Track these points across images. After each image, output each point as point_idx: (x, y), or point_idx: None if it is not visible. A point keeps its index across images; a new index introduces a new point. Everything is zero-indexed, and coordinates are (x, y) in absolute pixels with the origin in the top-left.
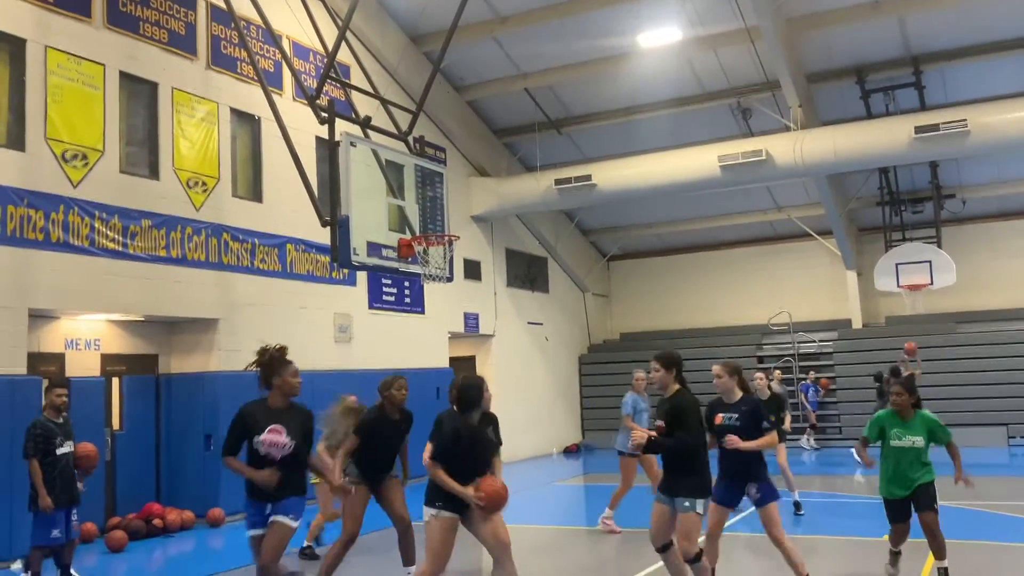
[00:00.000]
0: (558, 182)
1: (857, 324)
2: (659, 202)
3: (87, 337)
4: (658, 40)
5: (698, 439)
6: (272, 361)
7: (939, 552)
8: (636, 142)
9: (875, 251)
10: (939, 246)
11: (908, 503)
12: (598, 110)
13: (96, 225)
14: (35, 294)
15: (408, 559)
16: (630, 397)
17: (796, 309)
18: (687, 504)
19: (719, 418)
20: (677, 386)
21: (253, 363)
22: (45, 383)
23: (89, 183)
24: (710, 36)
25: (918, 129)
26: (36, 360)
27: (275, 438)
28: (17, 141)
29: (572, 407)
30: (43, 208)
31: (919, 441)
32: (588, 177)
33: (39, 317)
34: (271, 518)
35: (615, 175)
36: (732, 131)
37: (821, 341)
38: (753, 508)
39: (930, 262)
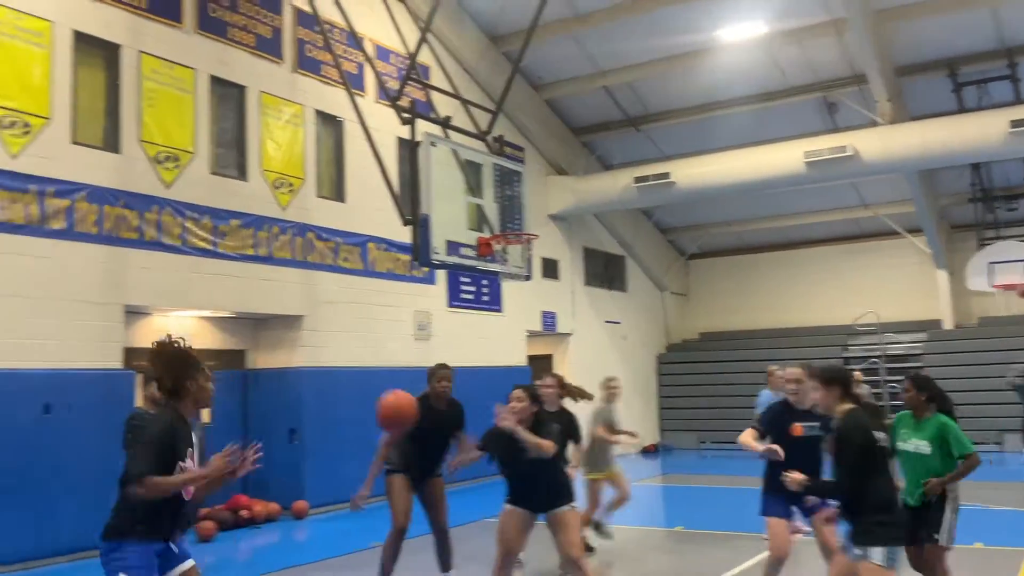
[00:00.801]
0: (636, 180)
1: (948, 325)
2: (740, 200)
3: (179, 333)
4: (741, 34)
5: (856, 478)
6: (183, 360)
7: None
8: (716, 139)
9: (967, 249)
10: None
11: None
12: (677, 107)
13: (187, 224)
14: (129, 291)
15: (445, 564)
16: (765, 395)
17: (883, 309)
18: (858, 552)
19: (798, 428)
20: (847, 405)
21: (150, 359)
22: (139, 377)
23: (181, 184)
24: (795, 29)
25: (1014, 123)
26: (130, 355)
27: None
28: (113, 144)
29: (650, 407)
30: (137, 208)
31: (924, 447)
32: (667, 175)
33: (133, 313)
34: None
35: (694, 172)
36: (817, 126)
37: (910, 343)
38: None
39: None
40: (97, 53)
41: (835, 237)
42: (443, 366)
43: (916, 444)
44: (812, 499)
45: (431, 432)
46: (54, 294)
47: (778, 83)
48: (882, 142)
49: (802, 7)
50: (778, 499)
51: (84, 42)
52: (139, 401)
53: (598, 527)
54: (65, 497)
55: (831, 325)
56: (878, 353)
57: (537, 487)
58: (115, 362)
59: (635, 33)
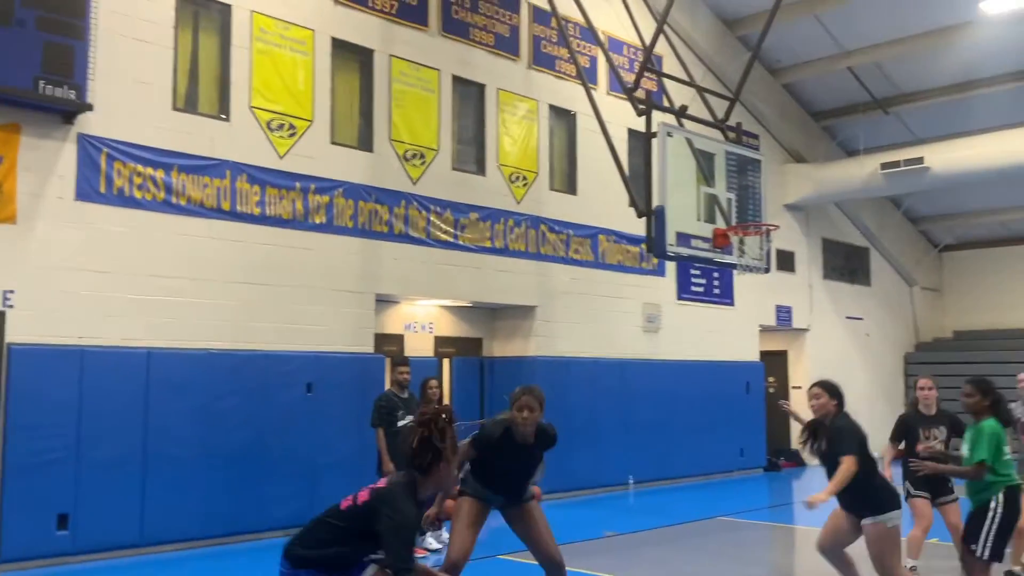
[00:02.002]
0: (884, 166)
1: None
2: (1002, 186)
3: (423, 321)
4: (1004, 6)
5: None
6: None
7: None
8: (975, 120)
9: None
10: None
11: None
12: (931, 86)
13: (431, 218)
14: (380, 281)
15: None
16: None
17: None
18: None
19: None
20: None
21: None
22: (388, 361)
23: (426, 180)
24: None
25: None
26: (380, 340)
27: None
28: (366, 143)
29: (896, 409)
30: (387, 203)
31: (963, 450)
32: (920, 160)
33: (383, 301)
34: None
35: (951, 157)
36: None
37: None
38: None
39: None
40: (352, 58)
41: None
42: (527, 390)
43: (962, 447)
44: None
45: (507, 465)
46: (315, 283)
47: None
48: None
49: None
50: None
51: (341, 48)
52: (387, 384)
53: None
54: (325, 469)
55: None
56: None
57: None
58: (367, 347)
59: (885, 9)
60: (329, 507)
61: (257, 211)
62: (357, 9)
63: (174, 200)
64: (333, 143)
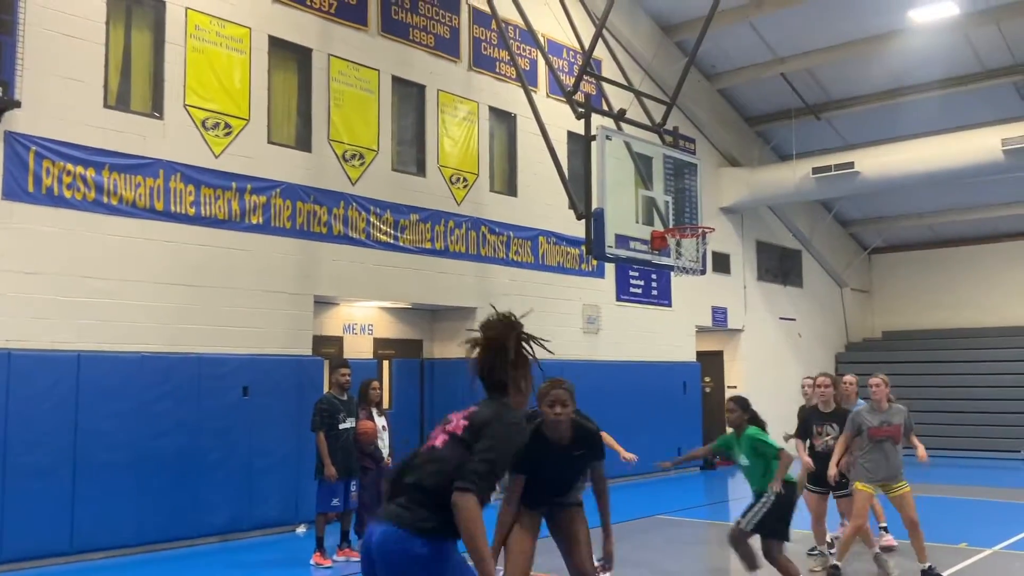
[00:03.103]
0: (816, 170)
1: None
2: (930, 190)
3: (362, 322)
4: (932, 16)
5: None
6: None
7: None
8: (904, 126)
9: None
10: None
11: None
12: (861, 93)
13: (371, 219)
14: (319, 282)
15: None
16: None
17: None
18: None
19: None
20: None
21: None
22: (326, 363)
23: (365, 180)
24: (993, 8)
25: None
26: (318, 342)
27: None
28: (304, 143)
29: None
30: (327, 204)
31: (743, 460)
32: (850, 164)
33: (321, 303)
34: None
35: (880, 161)
36: (1017, 112)
37: None
38: None
39: None
40: (290, 57)
41: None
42: (556, 383)
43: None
44: None
45: (550, 471)
46: (252, 285)
47: (972, 66)
48: None
49: None
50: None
51: (278, 47)
52: (326, 387)
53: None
54: (261, 473)
55: None
56: None
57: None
58: (305, 349)
59: (818, 17)
60: (410, 464)
61: (191, 211)
62: (295, 8)
63: (105, 200)
64: (270, 143)
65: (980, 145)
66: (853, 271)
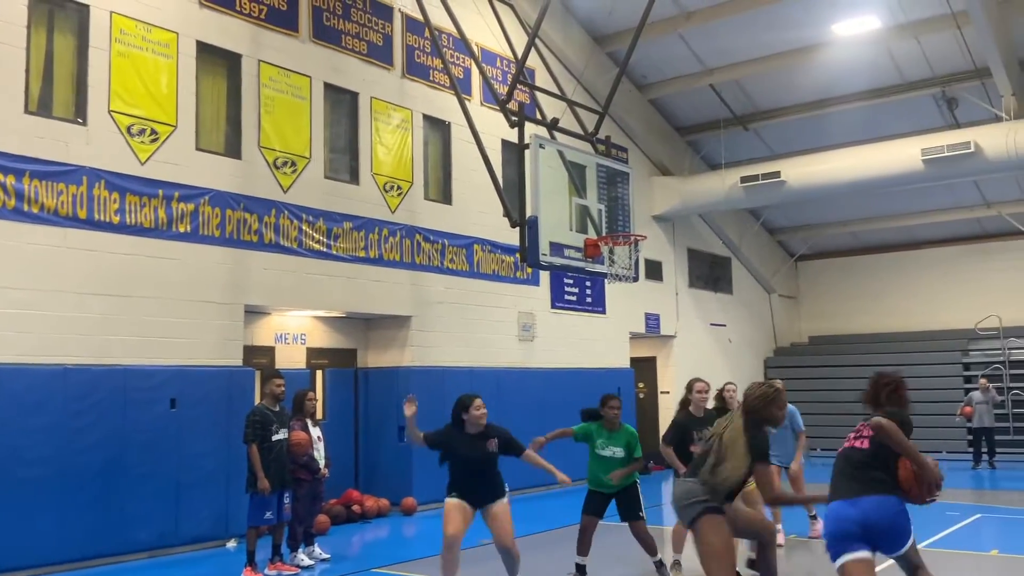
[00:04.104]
0: (744, 179)
1: None
2: (854, 199)
3: (295, 332)
4: (854, 29)
5: None
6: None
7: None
8: (828, 136)
9: None
10: None
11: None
12: (787, 104)
13: (303, 227)
14: (249, 291)
15: None
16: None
17: (1007, 313)
18: None
19: None
20: None
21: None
22: (258, 374)
23: (297, 188)
24: (912, 23)
25: None
26: (249, 353)
27: None
28: (234, 150)
29: None
30: (257, 212)
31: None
32: (777, 174)
33: (252, 313)
34: None
35: (805, 171)
36: (936, 123)
37: None
38: None
39: None
40: (219, 62)
41: (955, 237)
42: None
43: (613, 450)
44: None
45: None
46: (180, 294)
47: (893, 78)
48: (1006, 138)
49: (918, 1)
50: None
51: (207, 52)
52: (258, 398)
53: None
54: (190, 487)
55: (951, 329)
56: (1001, 359)
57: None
58: (236, 359)
59: (744, 29)
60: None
61: (116, 219)
62: (224, 13)
63: (25, 208)
64: (199, 149)
65: (901, 155)
66: (781, 278)
